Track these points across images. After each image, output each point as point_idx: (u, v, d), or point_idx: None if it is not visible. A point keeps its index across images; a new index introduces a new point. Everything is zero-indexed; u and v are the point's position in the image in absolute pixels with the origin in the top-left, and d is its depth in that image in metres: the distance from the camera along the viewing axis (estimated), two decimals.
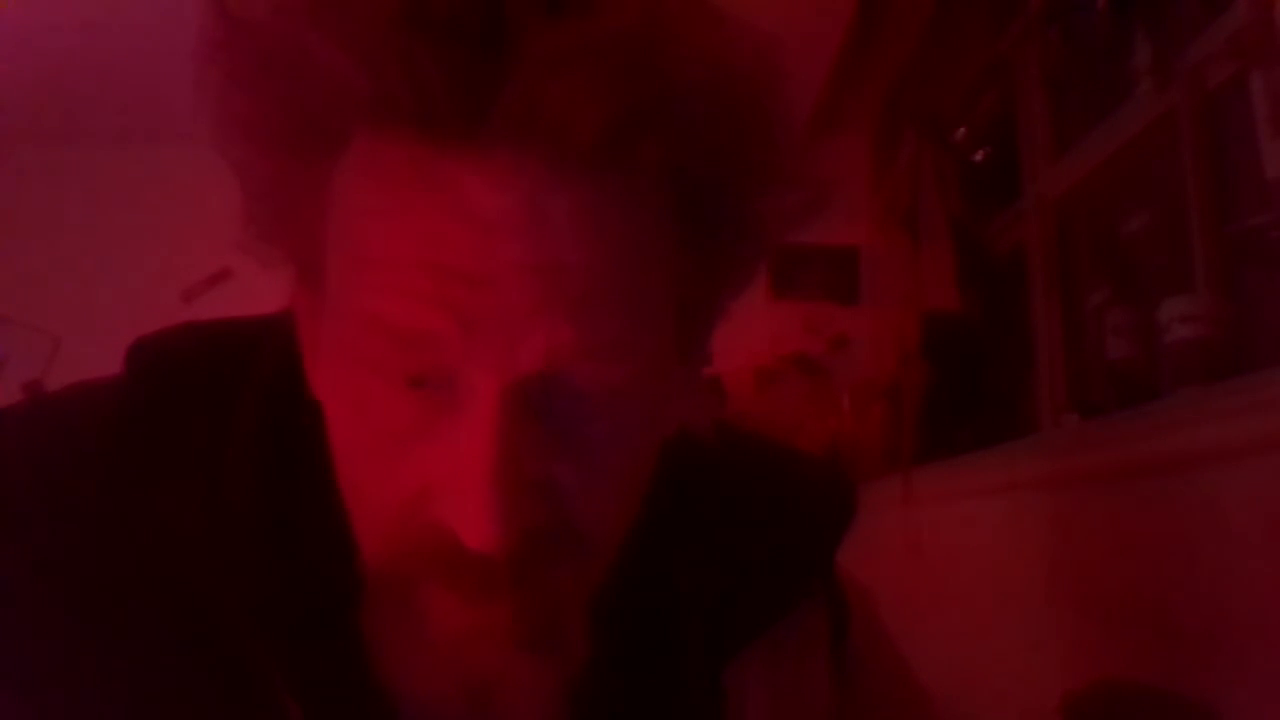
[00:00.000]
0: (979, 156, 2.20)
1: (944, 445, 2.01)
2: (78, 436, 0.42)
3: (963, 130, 2.26)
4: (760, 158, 0.37)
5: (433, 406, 0.34)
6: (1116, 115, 1.56)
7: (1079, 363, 1.71)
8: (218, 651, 0.39)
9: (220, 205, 0.41)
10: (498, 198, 0.32)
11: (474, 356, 0.33)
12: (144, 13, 2.34)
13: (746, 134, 0.36)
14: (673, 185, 0.36)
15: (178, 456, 0.41)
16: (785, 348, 3.05)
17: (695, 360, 0.43)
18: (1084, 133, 1.70)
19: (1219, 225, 1.29)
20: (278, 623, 0.39)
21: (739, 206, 0.38)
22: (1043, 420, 1.76)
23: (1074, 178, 1.75)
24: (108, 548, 0.39)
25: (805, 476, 0.54)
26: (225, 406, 0.42)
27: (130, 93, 2.69)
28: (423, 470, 0.34)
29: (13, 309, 2.92)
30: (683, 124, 0.34)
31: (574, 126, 0.31)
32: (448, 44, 0.31)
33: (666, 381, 0.38)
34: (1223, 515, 1.02)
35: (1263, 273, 1.21)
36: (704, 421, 0.47)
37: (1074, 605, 1.37)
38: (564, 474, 0.35)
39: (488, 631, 0.37)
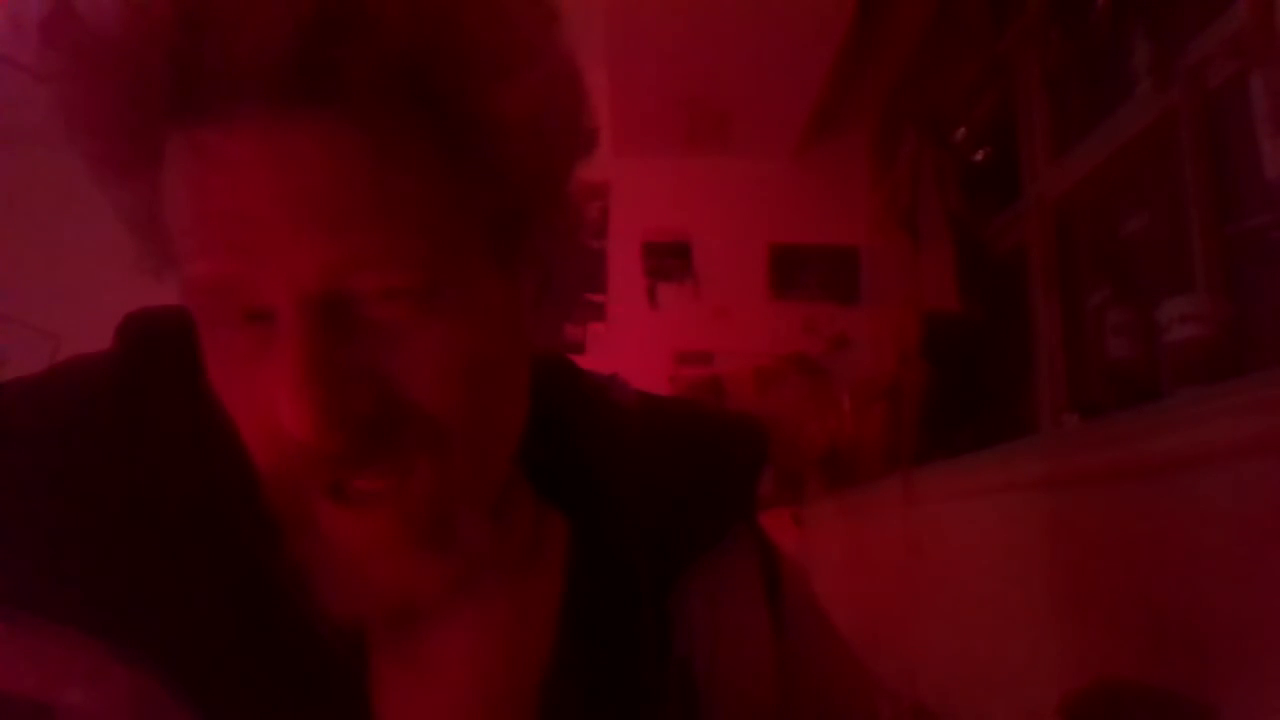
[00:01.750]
0: (979, 156, 2.20)
1: (944, 445, 2.01)
2: (81, 382, 0.46)
3: (963, 130, 2.26)
4: (481, 46, 0.39)
5: (267, 340, 0.38)
6: (1116, 115, 1.56)
7: (1079, 363, 1.71)
8: (219, 538, 0.43)
9: None
10: (237, 143, 0.36)
11: (267, 284, 0.37)
12: None
13: (460, 26, 0.38)
14: (409, 93, 0.38)
15: (169, 389, 0.45)
16: (785, 348, 3.06)
17: (533, 270, 0.45)
18: (1084, 133, 1.70)
19: (1219, 225, 1.29)
20: (261, 518, 0.42)
21: (477, 103, 0.39)
22: (1043, 420, 1.76)
23: (1074, 178, 1.75)
24: (116, 465, 0.44)
25: (721, 425, 0.60)
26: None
27: None
28: (267, 395, 0.38)
29: (13, 309, 2.92)
30: (386, 28, 0.36)
31: (263, 61, 0.34)
32: (157, 33, 0.35)
33: (480, 284, 0.41)
34: (1222, 515, 1.02)
35: (1263, 273, 1.21)
36: (558, 334, 0.49)
37: (1073, 605, 1.37)
38: (393, 367, 0.39)
39: (380, 538, 0.40)
